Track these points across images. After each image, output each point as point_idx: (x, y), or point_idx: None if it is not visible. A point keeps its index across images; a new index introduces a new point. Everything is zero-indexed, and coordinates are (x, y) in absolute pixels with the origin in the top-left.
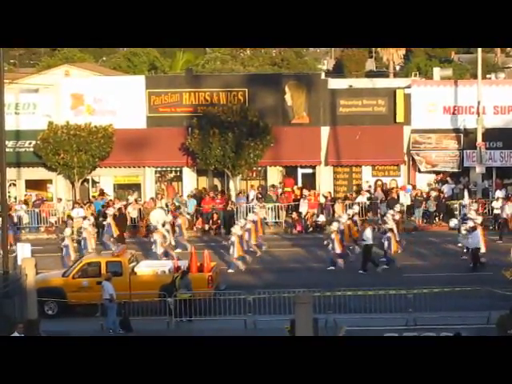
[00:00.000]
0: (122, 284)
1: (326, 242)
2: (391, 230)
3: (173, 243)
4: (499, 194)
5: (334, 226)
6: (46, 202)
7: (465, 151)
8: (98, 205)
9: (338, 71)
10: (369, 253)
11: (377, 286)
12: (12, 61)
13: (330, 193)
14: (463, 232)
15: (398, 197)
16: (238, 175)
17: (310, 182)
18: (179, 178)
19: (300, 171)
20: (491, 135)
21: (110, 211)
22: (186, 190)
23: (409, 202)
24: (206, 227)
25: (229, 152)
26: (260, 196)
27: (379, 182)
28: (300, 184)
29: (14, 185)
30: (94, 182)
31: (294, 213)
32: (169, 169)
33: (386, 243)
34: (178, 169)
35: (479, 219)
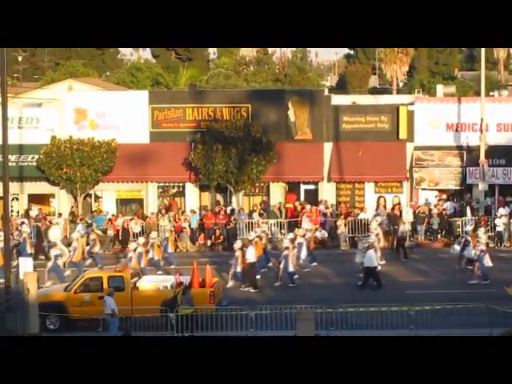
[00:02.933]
0: (124, 299)
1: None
2: (287, 248)
3: (74, 260)
4: (502, 211)
5: (238, 244)
6: (48, 217)
7: (467, 168)
8: (100, 220)
9: (341, 87)
10: (252, 270)
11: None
12: (15, 75)
13: (327, 208)
14: (360, 249)
15: (401, 213)
16: (241, 191)
17: (312, 198)
18: (182, 194)
19: (303, 187)
20: (494, 152)
21: (25, 228)
22: (189, 205)
23: (411, 219)
24: (209, 243)
25: (232, 167)
26: (262, 212)
27: (382, 199)
28: (302, 200)
29: (17, 199)
30: (97, 197)
31: (297, 229)
32: (171, 184)
33: (283, 261)
34: (181, 184)
35: (373, 238)
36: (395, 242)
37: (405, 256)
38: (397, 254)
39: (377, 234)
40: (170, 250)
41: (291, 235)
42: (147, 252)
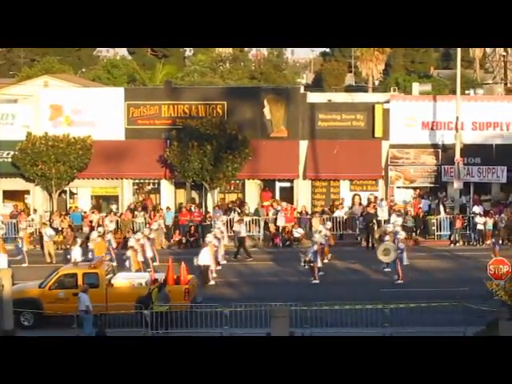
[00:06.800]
0: (99, 296)
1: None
2: (132, 248)
3: None
4: (476, 209)
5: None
6: (22, 213)
7: (443, 166)
8: (76, 216)
9: (317, 85)
10: None
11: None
12: None
13: (304, 206)
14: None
15: (376, 211)
16: (216, 188)
17: (287, 195)
18: (157, 191)
19: (278, 185)
20: (469, 151)
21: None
22: (164, 202)
23: (386, 217)
24: (183, 240)
25: (207, 165)
26: (238, 210)
27: (357, 197)
28: (278, 197)
29: None
30: (72, 194)
31: (272, 226)
32: (147, 181)
33: (127, 262)
34: (156, 181)
35: (210, 237)
36: (370, 241)
37: (247, 255)
38: (237, 254)
39: (214, 235)
40: (25, 248)
41: (138, 235)
42: None
